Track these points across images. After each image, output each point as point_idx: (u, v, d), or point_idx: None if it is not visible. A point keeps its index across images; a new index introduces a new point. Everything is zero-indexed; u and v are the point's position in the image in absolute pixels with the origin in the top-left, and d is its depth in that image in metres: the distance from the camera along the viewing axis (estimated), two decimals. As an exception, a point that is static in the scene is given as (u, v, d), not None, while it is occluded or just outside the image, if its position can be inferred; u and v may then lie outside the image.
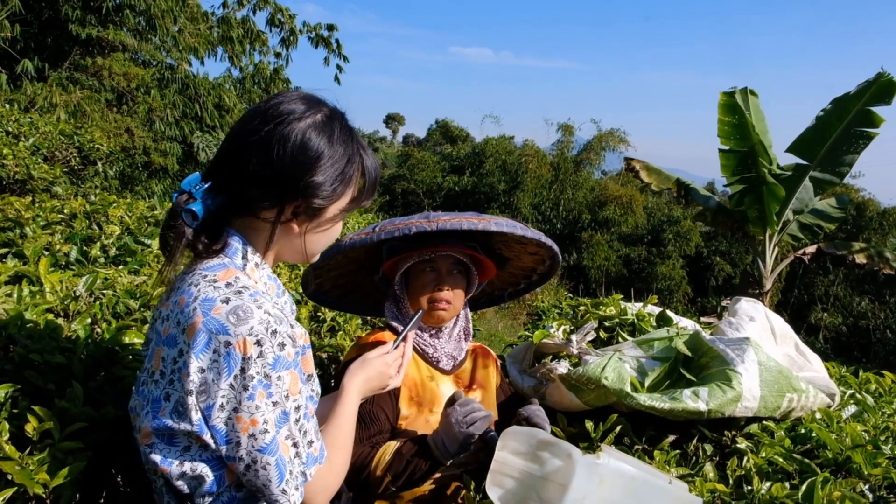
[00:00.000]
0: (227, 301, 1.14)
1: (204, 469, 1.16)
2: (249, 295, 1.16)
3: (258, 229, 1.26)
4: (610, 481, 1.40)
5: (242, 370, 1.11)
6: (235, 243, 1.25)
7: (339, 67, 12.78)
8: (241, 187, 1.21)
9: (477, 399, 1.94)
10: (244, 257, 1.25)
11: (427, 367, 1.92)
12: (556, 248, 1.98)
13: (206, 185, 1.22)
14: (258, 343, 1.12)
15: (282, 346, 1.15)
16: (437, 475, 1.75)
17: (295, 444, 1.17)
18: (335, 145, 1.25)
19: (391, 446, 1.69)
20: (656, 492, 1.44)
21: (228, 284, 1.18)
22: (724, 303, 13.29)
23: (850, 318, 17.66)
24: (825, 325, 17.46)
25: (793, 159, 10.44)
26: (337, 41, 12.74)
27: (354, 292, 2.21)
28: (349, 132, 1.29)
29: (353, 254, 2.01)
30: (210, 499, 1.19)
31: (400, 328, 1.62)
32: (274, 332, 1.14)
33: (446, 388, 1.91)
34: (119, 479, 1.62)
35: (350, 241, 1.82)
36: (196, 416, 1.12)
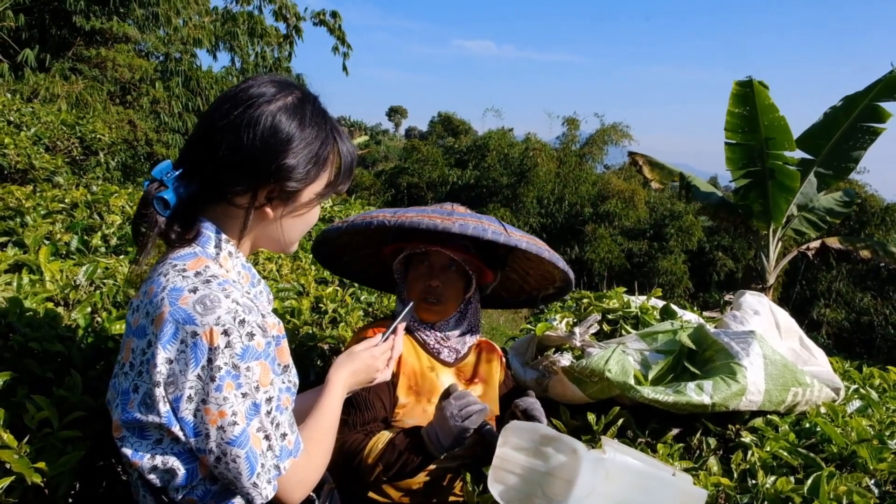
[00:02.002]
0: (194, 290, 1.12)
1: (175, 462, 1.15)
2: (218, 284, 1.14)
3: (232, 216, 1.24)
4: (616, 476, 1.38)
5: (209, 360, 1.09)
6: (208, 232, 1.22)
7: (345, 55, 12.70)
8: (213, 173, 1.19)
9: (478, 393, 1.92)
10: (217, 246, 1.23)
11: (428, 357, 1.91)
12: (545, 254, 1.85)
13: (178, 173, 1.20)
14: (225, 333, 1.10)
15: (251, 335, 1.13)
16: (432, 467, 1.74)
17: (267, 437, 1.15)
18: (307, 128, 1.22)
19: (384, 436, 1.68)
20: (662, 485, 1.42)
21: (197, 274, 1.16)
22: (726, 297, 13.27)
23: (853, 314, 17.61)
24: (827, 321, 17.42)
25: (798, 154, 10.39)
26: (340, 27, 12.67)
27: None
28: (322, 115, 1.26)
29: (372, 240, 2.05)
30: (184, 492, 1.17)
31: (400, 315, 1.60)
32: (242, 322, 1.12)
33: (446, 379, 1.89)
34: (119, 469, 1.61)
35: (325, 231, 1.89)
36: (164, 408, 1.10)
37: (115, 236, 2.75)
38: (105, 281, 2.09)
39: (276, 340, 1.21)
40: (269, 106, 1.19)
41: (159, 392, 1.10)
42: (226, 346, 1.09)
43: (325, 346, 2.55)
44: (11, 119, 5.02)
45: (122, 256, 2.54)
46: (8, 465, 1.26)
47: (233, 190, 1.19)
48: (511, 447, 1.48)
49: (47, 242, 2.37)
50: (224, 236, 1.24)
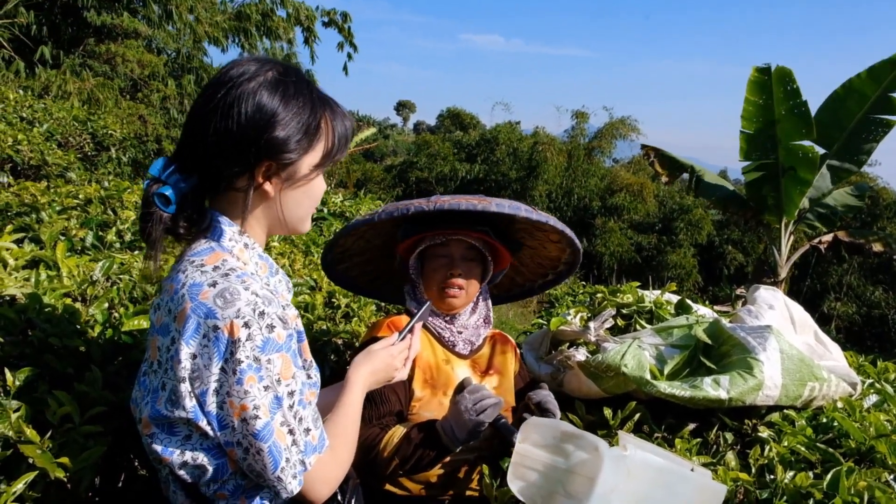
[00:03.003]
0: (214, 284, 1.13)
1: (205, 458, 1.16)
2: (237, 276, 1.15)
3: (238, 202, 1.23)
4: (637, 474, 1.37)
5: (231, 353, 1.09)
6: (221, 225, 1.23)
7: (349, 56, 12.75)
8: (208, 160, 1.18)
9: (493, 384, 1.93)
10: (231, 239, 1.23)
11: (443, 350, 1.91)
12: (567, 231, 1.93)
13: (174, 167, 1.20)
14: (246, 325, 1.10)
15: (270, 327, 1.13)
16: (448, 459, 1.74)
17: (291, 432, 1.15)
18: (291, 99, 1.21)
19: (400, 430, 1.69)
20: (681, 481, 1.42)
21: (216, 268, 1.16)
22: (737, 291, 13.19)
23: (864, 308, 17.50)
24: (838, 315, 17.31)
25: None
26: (349, 28, 12.70)
27: (381, 278, 2.21)
28: (306, 85, 1.25)
29: (376, 241, 2.02)
30: (215, 486, 1.18)
31: (416, 313, 1.60)
32: (262, 314, 1.12)
33: (462, 371, 1.90)
34: (137, 464, 1.62)
35: (353, 222, 1.84)
36: (190, 403, 1.11)
37: (130, 232, 2.76)
38: (121, 276, 2.10)
39: (299, 336, 1.22)
40: (249, 83, 1.18)
41: (184, 387, 1.11)
42: (247, 339, 1.10)
43: (339, 341, 2.55)
44: (24, 115, 5.05)
45: (136, 252, 2.55)
46: (31, 460, 1.27)
47: (231, 172, 1.19)
48: (531, 443, 1.47)
49: (63, 238, 2.39)
50: (238, 228, 1.24)
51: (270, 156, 1.19)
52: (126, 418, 1.50)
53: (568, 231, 1.93)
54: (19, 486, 1.24)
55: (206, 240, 1.22)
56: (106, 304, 1.86)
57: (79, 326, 1.68)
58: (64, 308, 1.72)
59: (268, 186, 1.22)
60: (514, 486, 1.45)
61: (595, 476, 1.35)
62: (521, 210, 1.78)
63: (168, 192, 1.17)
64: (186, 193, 1.20)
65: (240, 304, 1.11)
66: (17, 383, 1.38)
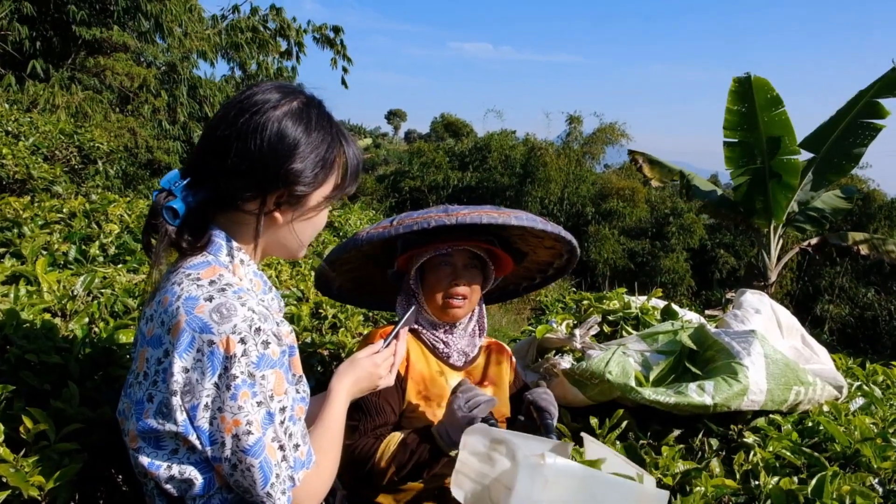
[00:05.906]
0: (210, 299, 1.12)
1: (192, 472, 1.14)
2: (233, 292, 1.14)
3: (242, 223, 1.24)
4: (556, 482, 1.34)
5: (226, 369, 1.09)
6: (219, 240, 1.22)
7: (344, 69, 12.85)
8: (222, 181, 1.19)
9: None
10: (229, 254, 1.23)
11: (437, 361, 1.89)
12: (574, 242, 1.93)
13: (186, 182, 1.20)
14: (242, 341, 1.10)
15: (266, 344, 1.13)
16: (442, 467, 1.72)
17: (281, 447, 1.15)
18: (313, 131, 1.22)
19: (395, 437, 1.67)
20: (609, 488, 1.39)
21: (212, 282, 1.16)
22: (728, 295, 13.23)
23: (857, 310, 17.55)
24: (831, 317, 17.36)
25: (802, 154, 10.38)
26: (342, 42, 12.79)
27: (366, 286, 2.17)
28: (327, 118, 1.27)
29: (367, 248, 2.00)
30: (201, 501, 1.17)
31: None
32: (258, 330, 1.12)
33: (455, 382, 1.88)
34: (119, 479, 1.60)
35: (367, 236, 1.78)
36: (181, 416, 1.10)
37: (113, 245, 2.74)
38: (103, 291, 2.08)
39: (290, 351, 1.21)
40: (274, 111, 1.19)
41: (176, 401, 1.10)
42: (242, 355, 1.09)
43: (325, 353, 2.54)
44: (10, 129, 5.02)
45: (119, 266, 2.53)
46: (4, 479, 1.25)
47: (242, 196, 1.20)
48: (469, 451, 1.46)
49: (45, 253, 2.37)
50: (235, 244, 1.24)
51: (285, 185, 1.20)
52: (104, 433, 1.48)
53: (574, 241, 1.94)
54: (-8, 506, 1.22)
55: (203, 254, 1.21)
56: (86, 319, 1.84)
57: (57, 342, 1.66)
58: (42, 323, 1.70)
59: (277, 214, 1.23)
60: (457, 494, 1.43)
61: (511, 485, 1.33)
62: (538, 223, 1.78)
63: (178, 205, 1.17)
64: (193, 208, 1.20)
65: (236, 319, 1.10)
66: (-8, 401, 1.37)
